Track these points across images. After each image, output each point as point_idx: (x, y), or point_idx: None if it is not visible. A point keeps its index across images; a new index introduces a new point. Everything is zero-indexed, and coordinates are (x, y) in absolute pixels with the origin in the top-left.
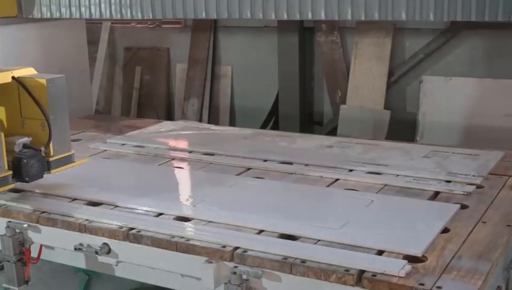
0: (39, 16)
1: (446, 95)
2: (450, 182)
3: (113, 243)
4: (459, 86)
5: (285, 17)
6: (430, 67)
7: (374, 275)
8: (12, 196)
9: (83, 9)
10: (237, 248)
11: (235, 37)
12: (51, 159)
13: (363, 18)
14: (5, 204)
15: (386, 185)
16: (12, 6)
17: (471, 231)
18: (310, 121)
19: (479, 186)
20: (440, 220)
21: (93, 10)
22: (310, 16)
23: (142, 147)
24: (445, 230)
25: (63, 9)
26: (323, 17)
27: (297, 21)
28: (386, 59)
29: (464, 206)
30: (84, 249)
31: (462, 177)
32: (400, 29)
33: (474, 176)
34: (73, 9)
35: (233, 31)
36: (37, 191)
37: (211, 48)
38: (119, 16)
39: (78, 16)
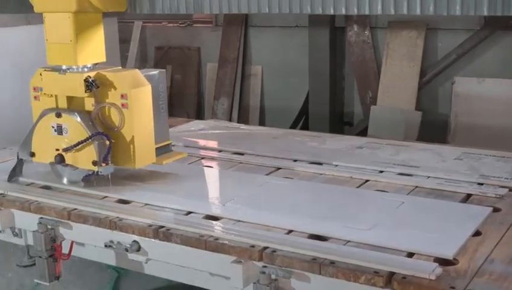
0: (149, 12)
1: (479, 96)
2: (482, 184)
3: (143, 241)
4: (492, 87)
5: (308, 11)
6: (462, 68)
7: (404, 277)
8: (44, 193)
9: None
10: (266, 247)
11: (265, 37)
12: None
13: (392, 12)
14: (37, 201)
15: (417, 186)
16: (122, 1)
17: (504, 234)
18: (340, 122)
19: (511, 189)
20: (472, 222)
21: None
22: (331, 11)
23: (172, 145)
24: (477, 233)
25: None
26: (355, 11)
27: (329, 20)
28: (418, 59)
29: (496, 209)
30: (114, 247)
31: (494, 179)
32: (433, 30)
33: (507, 178)
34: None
35: (263, 30)
36: (71, 188)
37: (242, 48)
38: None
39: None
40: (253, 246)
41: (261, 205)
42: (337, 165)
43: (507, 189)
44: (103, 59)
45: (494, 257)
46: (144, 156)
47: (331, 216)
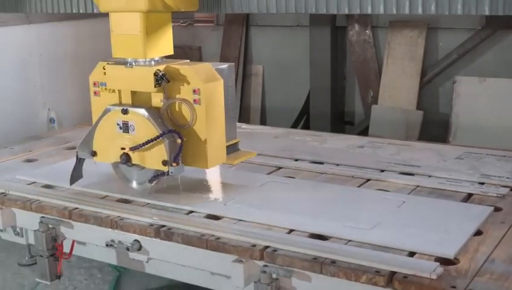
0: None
1: (480, 96)
2: (483, 184)
3: (144, 240)
4: (493, 87)
5: (313, 10)
6: (463, 67)
7: (405, 277)
8: (45, 192)
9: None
10: (267, 247)
11: (266, 36)
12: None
13: (394, 12)
14: (39, 200)
15: (418, 186)
16: (195, 0)
17: (505, 233)
18: (341, 121)
19: None
20: (473, 222)
21: None
22: (336, 10)
23: None
24: (478, 232)
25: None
26: (358, 11)
27: (330, 20)
28: (419, 59)
29: (497, 209)
30: (115, 246)
31: (495, 179)
32: (434, 29)
33: (509, 178)
34: None
35: (265, 29)
36: (71, 187)
37: (243, 47)
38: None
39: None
40: (254, 246)
41: (262, 204)
42: (338, 165)
43: (508, 188)
44: (171, 52)
45: (495, 256)
46: (215, 155)
47: (332, 216)
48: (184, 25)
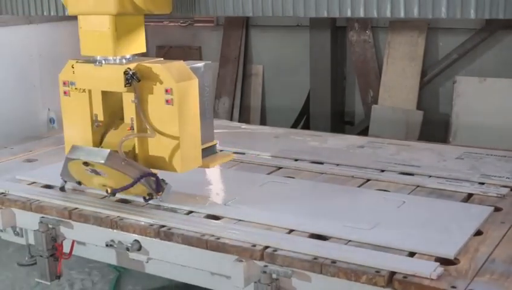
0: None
1: (480, 96)
2: (483, 184)
3: (144, 240)
4: (493, 87)
5: (325, 14)
6: (464, 67)
7: (405, 277)
8: (45, 192)
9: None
10: (267, 247)
11: (266, 36)
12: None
13: (402, 16)
14: (38, 200)
15: (418, 186)
16: (168, 3)
17: (505, 233)
18: (341, 121)
19: None
20: (473, 222)
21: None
22: (349, 13)
23: None
24: (478, 232)
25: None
26: (362, 14)
27: (330, 20)
28: (419, 59)
29: (497, 209)
30: (115, 246)
31: (496, 179)
32: (434, 29)
33: (509, 178)
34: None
35: (265, 29)
36: (71, 187)
37: (243, 47)
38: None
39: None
40: (254, 246)
41: (262, 204)
42: (338, 165)
43: (508, 188)
44: (143, 49)
45: (495, 256)
46: (189, 159)
47: (332, 216)
48: (184, 25)
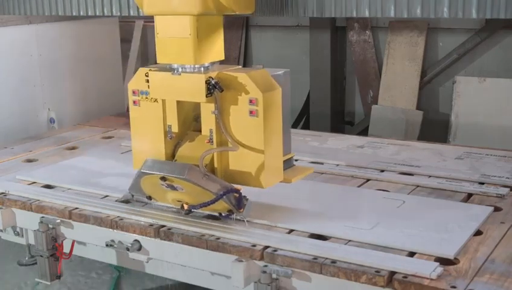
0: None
1: (480, 96)
2: (483, 184)
3: (144, 240)
4: (493, 87)
5: (327, 14)
6: (463, 67)
7: (405, 277)
8: (45, 192)
9: None
10: (267, 247)
11: (266, 36)
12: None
13: (405, 16)
14: (39, 200)
15: (418, 186)
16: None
17: (505, 233)
18: (341, 121)
19: None
20: (473, 222)
21: None
22: (354, 14)
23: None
24: (478, 233)
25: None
26: (367, 14)
27: (330, 20)
28: (418, 59)
29: (497, 209)
30: (115, 246)
31: (495, 179)
32: (434, 29)
33: (509, 178)
34: None
35: (265, 29)
36: (70, 187)
37: (243, 47)
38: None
39: None
40: (254, 246)
41: (261, 204)
42: (338, 165)
43: (508, 188)
44: (222, 57)
45: (495, 256)
46: (272, 173)
47: (332, 216)
48: None
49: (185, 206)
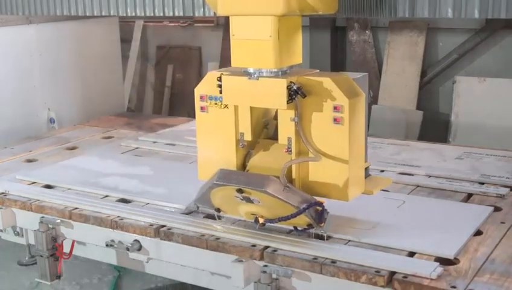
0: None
1: (480, 96)
2: (483, 184)
3: (144, 240)
4: (493, 87)
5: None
6: (463, 67)
7: (405, 277)
8: (45, 192)
9: None
10: (267, 247)
11: None
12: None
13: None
14: (39, 200)
15: (418, 186)
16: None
17: (505, 233)
18: None
19: None
20: (473, 222)
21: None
22: (367, 14)
23: (173, 145)
24: (478, 233)
25: None
26: (375, 15)
27: (330, 20)
28: (419, 59)
29: (497, 209)
30: (115, 246)
31: (495, 179)
32: (434, 29)
33: (509, 178)
34: None
35: None
36: (70, 187)
37: None
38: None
39: None
40: (254, 246)
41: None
42: None
43: (508, 188)
44: (300, 60)
45: (495, 256)
46: (356, 185)
47: (332, 215)
48: (184, 25)
49: (261, 220)
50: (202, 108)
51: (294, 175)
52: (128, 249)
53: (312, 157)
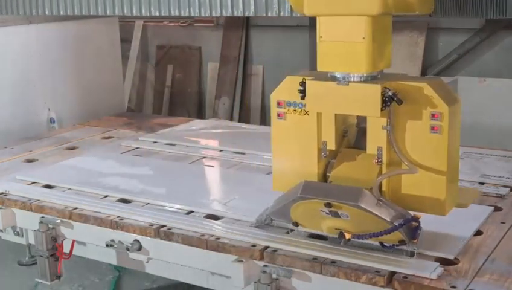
0: None
1: (480, 96)
2: (483, 184)
3: (144, 240)
4: (494, 87)
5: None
6: (463, 67)
7: (405, 277)
8: (45, 192)
9: None
10: (267, 247)
11: (266, 36)
12: None
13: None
14: (39, 200)
15: None
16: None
17: (505, 233)
18: None
19: None
20: (473, 222)
21: None
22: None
23: (173, 145)
24: (478, 233)
25: None
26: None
27: None
28: (419, 59)
29: (497, 209)
30: (115, 246)
31: (495, 179)
32: (434, 29)
33: (509, 178)
34: None
35: (265, 30)
36: (70, 187)
37: (243, 47)
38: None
39: None
40: (254, 246)
41: (262, 204)
42: None
43: (508, 188)
44: (390, 65)
45: (495, 256)
46: (451, 197)
47: None
48: (184, 25)
49: (347, 236)
50: (279, 115)
51: (384, 187)
52: (128, 249)
53: (408, 170)
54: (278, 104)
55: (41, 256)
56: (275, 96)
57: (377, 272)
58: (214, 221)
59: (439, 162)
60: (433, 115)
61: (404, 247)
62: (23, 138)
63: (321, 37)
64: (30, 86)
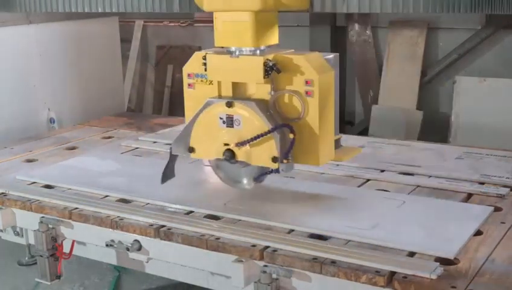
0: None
1: (480, 96)
2: (483, 184)
3: (144, 240)
4: (494, 87)
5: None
6: (464, 67)
7: (405, 277)
8: (45, 192)
9: None
10: (267, 247)
11: None
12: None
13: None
14: (39, 200)
15: (418, 186)
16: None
17: (505, 234)
18: (341, 121)
19: None
20: (473, 222)
21: None
22: (357, 9)
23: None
24: (478, 233)
25: None
26: (389, 10)
27: (330, 20)
28: (419, 59)
29: (497, 209)
30: (115, 246)
31: (496, 179)
32: (434, 29)
33: (509, 178)
34: None
35: None
36: (70, 187)
37: None
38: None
39: None
40: (254, 246)
41: (262, 204)
42: (338, 165)
43: (508, 188)
44: (276, 41)
45: (495, 256)
46: (326, 151)
47: (332, 216)
48: (184, 25)
49: (232, 145)
50: (189, 85)
51: None
52: (128, 249)
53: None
54: (189, 75)
55: (41, 256)
56: (185, 69)
57: (377, 272)
58: (214, 221)
59: (312, 121)
60: (306, 82)
61: (274, 167)
62: (23, 138)
63: (216, 18)
64: (30, 86)
